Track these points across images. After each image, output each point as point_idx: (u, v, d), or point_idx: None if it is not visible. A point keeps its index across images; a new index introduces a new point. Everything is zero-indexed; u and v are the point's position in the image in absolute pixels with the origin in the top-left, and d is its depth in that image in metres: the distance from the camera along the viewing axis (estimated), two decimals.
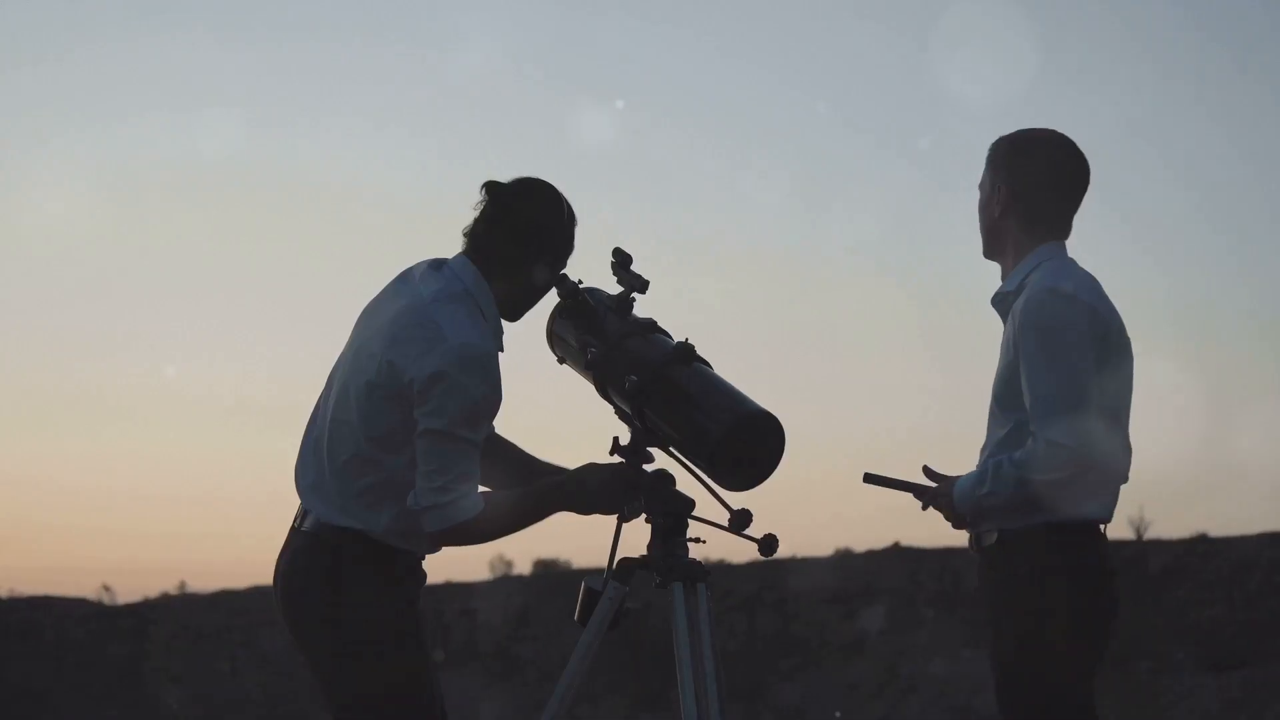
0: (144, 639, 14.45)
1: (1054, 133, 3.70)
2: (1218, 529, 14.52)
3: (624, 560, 3.61)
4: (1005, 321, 3.64)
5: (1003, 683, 3.51)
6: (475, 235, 3.64)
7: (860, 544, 16.07)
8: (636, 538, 3.66)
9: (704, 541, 3.65)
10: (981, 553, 3.57)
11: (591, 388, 3.72)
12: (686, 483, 3.63)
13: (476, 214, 3.65)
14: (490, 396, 3.51)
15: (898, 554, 15.55)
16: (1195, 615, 12.86)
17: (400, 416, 3.49)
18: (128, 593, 15.80)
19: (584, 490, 3.60)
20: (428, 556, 3.72)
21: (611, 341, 3.63)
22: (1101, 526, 3.54)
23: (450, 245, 3.69)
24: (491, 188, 3.64)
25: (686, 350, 3.60)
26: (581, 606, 3.61)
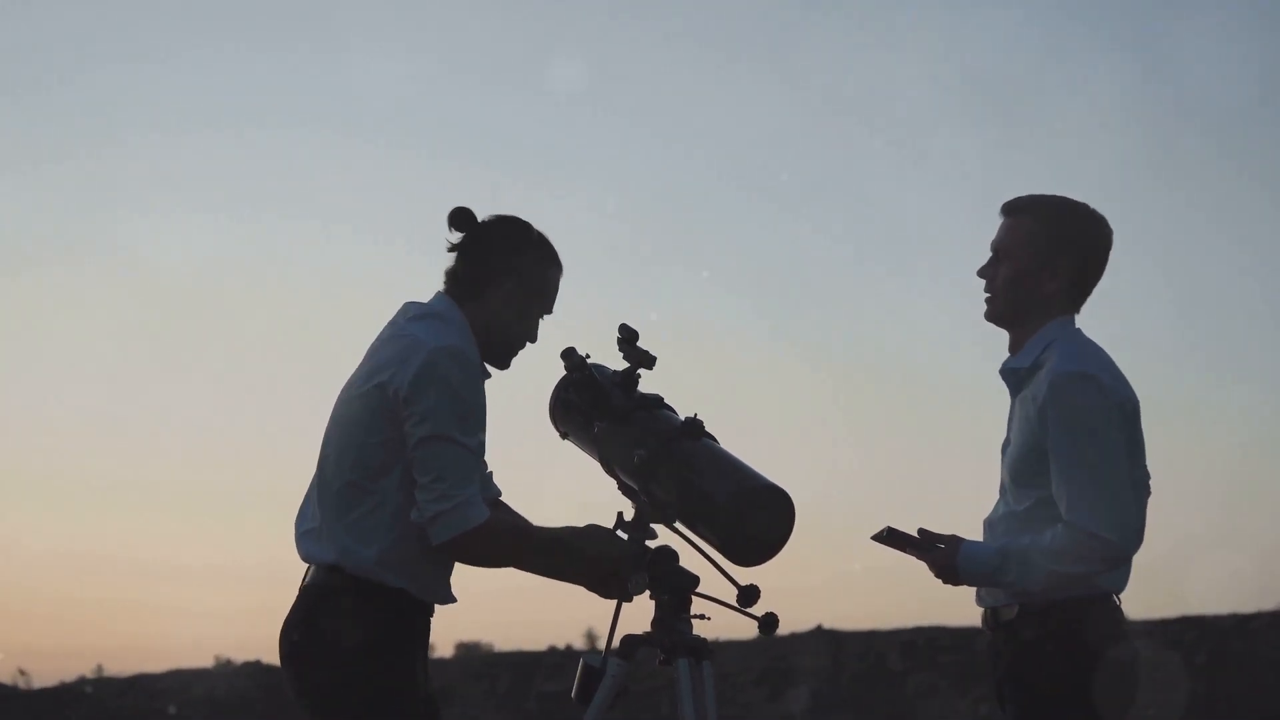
0: None
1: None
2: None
3: (627, 637, 3.59)
4: (1013, 393, 3.61)
5: None
6: (451, 270, 3.64)
7: (783, 626, 16.04)
8: (637, 613, 3.66)
9: (709, 618, 3.65)
10: (998, 627, 3.56)
11: (594, 463, 3.71)
12: (690, 558, 3.63)
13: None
14: (474, 393, 3.47)
15: (821, 636, 15.56)
16: None
17: (385, 433, 3.45)
18: (44, 676, 15.46)
19: (580, 555, 3.56)
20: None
21: (617, 416, 3.63)
22: (1116, 597, 3.54)
23: None
24: (459, 218, 3.61)
25: (695, 425, 3.60)
26: (579, 684, 3.59)
